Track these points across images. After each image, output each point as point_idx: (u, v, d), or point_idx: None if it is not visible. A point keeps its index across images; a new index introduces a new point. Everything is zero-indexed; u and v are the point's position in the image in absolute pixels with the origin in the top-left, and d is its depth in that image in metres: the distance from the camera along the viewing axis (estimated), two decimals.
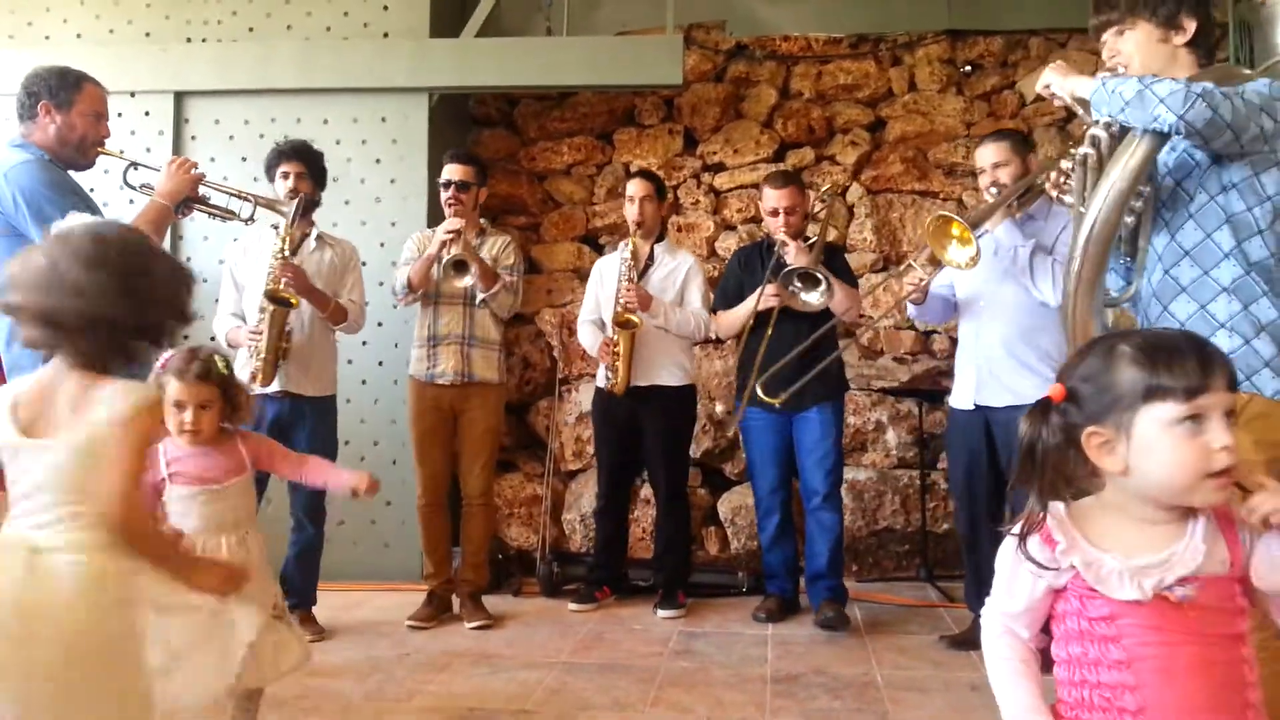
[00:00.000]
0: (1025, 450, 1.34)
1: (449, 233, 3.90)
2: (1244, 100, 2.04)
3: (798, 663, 3.43)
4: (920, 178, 5.32)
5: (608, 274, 4.31)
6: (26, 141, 3.00)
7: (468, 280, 3.90)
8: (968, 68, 5.41)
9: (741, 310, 4.08)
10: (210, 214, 3.47)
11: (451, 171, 4.07)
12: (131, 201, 4.67)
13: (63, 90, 3.01)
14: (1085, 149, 2.28)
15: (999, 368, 3.46)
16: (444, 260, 3.90)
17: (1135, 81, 2.11)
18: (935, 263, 3.36)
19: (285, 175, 3.87)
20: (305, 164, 3.90)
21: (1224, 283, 2.10)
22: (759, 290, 3.96)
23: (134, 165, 3.43)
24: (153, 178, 3.30)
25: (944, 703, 3.02)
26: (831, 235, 5.12)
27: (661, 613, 4.10)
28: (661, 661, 3.45)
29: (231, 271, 3.95)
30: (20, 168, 2.88)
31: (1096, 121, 2.23)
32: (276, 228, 3.78)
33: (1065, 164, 2.38)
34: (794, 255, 3.93)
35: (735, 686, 3.17)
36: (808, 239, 4.08)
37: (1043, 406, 1.34)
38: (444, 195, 4.07)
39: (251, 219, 3.57)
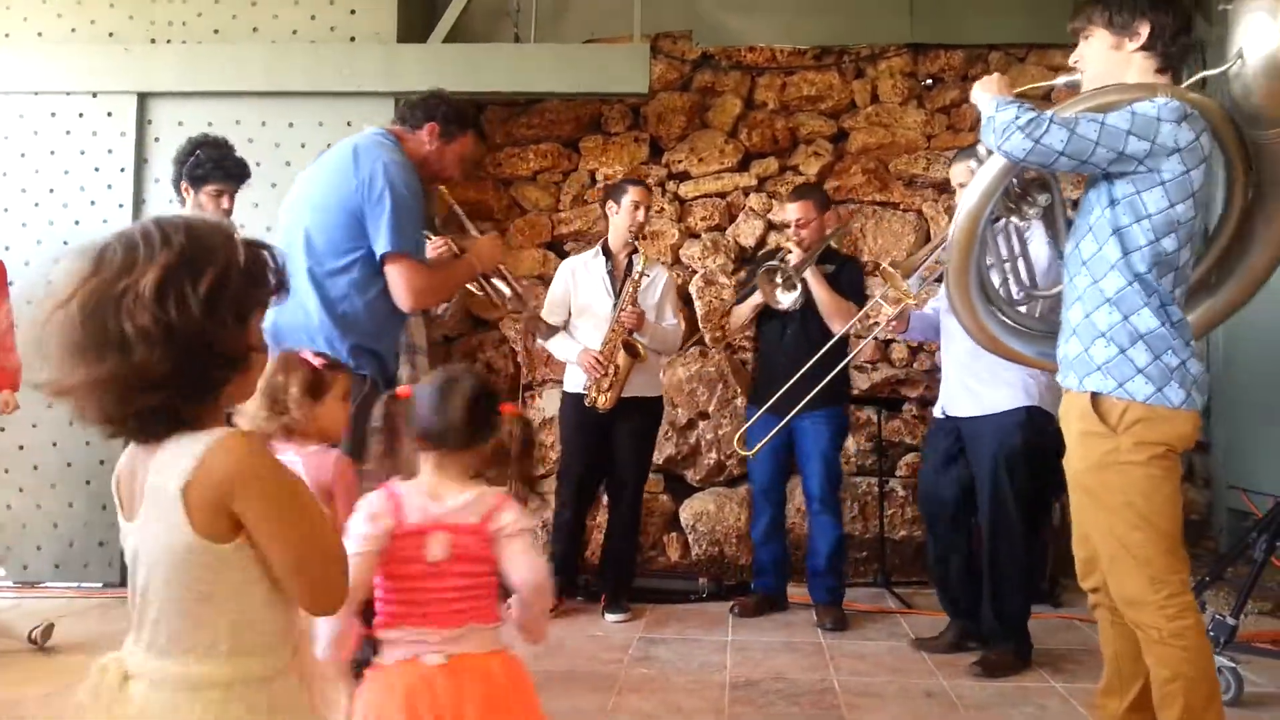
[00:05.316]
0: None
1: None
2: (1102, 126, 2.11)
3: (756, 669, 3.48)
4: (881, 188, 5.40)
5: (583, 278, 4.33)
6: (401, 144, 2.90)
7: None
8: (929, 81, 5.49)
9: (744, 306, 4.26)
10: (483, 293, 3.45)
11: None
12: (81, 221, 4.65)
13: (455, 124, 2.98)
14: (973, 163, 2.50)
15: (967, 378, 3.52)
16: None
17: (993, 107, 2.21)
18: (895, 300, 3.56)
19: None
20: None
21: (1109, 293, 2.18)
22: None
23: (459, 225, 3.52)
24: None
25: (900, 709, 3.08)
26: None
27: (610, 617, 4.14)
28: (621, 668, 3.48)
29: None
30: (401, 168, 2.78)
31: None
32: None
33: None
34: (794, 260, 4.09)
35: (695, 693, 3.21)
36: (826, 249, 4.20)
37: None
38: None
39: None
